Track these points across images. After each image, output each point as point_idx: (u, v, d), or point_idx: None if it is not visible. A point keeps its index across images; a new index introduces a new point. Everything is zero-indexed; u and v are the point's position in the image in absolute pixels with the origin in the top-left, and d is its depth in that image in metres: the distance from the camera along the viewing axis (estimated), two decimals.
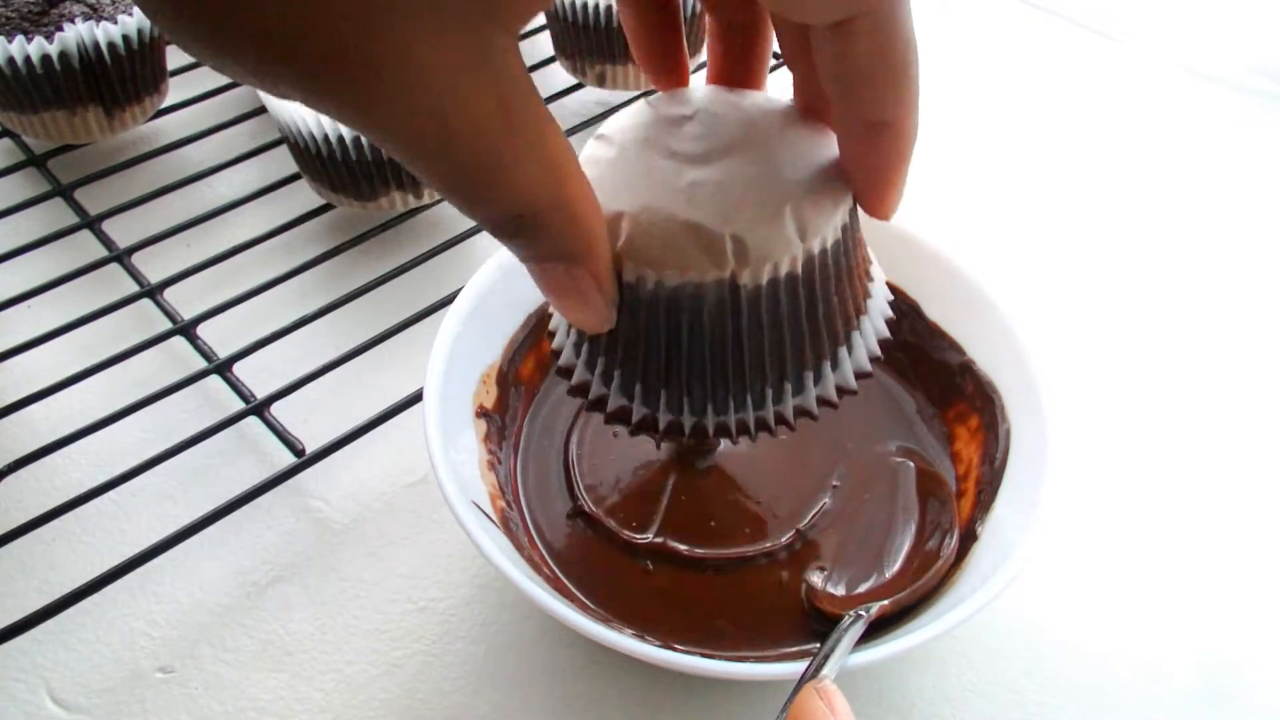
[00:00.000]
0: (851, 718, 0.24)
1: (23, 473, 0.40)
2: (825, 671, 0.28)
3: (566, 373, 0.31)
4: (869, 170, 0.26)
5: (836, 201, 0.26)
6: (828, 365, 0.29)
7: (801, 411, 0.30)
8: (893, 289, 0.42)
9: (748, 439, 0.30)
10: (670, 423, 0.29)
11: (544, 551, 0.37)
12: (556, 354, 0.32)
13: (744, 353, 0.28)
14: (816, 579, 0.35)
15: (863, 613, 0.32)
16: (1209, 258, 0.53)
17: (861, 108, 0.24)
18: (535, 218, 0.22)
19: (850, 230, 0.28)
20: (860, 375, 0.31)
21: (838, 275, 0.28)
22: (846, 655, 0.29)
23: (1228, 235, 0.55)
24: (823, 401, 0.30)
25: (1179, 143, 0.61)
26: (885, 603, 0.33)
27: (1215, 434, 0.44)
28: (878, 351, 0.31)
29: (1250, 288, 0.52)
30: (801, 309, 0.27)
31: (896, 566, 0.35)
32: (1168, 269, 0.53)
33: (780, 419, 0.30)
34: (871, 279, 0.31)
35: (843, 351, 0.30)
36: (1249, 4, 0.72)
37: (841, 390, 0.30)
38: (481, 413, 0.38)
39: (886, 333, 0.31)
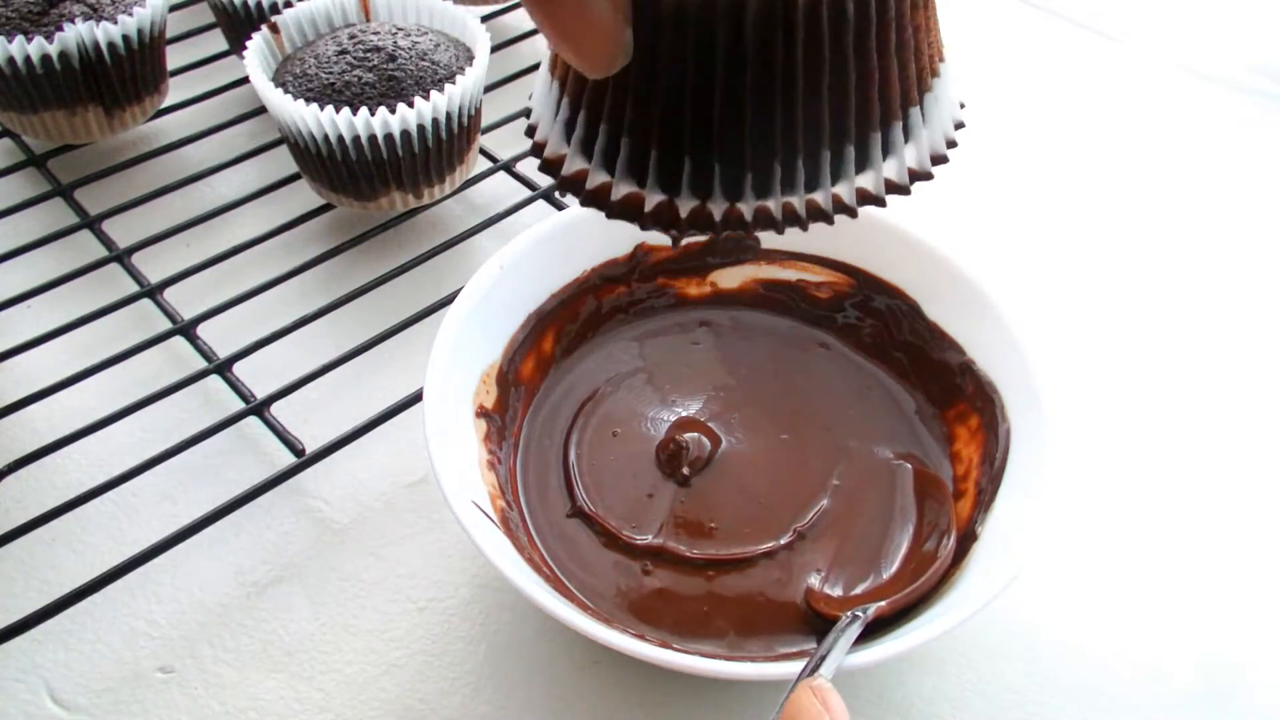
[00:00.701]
0: (846, 716, 0.24)
1: (23, 473, 0.40)
2: (822, 671, 0.28)
3: (554, 165, 0.24)
4: None
5: None
6: (899, 130, 0.23)
7: (866, 197, 0.23)
8: (893, 289, 0.42)
9: (797, 229, 0.23)
10: (695, 211, 0.22)
11: (544, 551, 0.37)
12: (539, 149, 0.24)
13: (797, 93, 0.21)
14: (814, 580, 0.35)
15: (860, 614, 0.32)
16: (1209, 257, 0.53)
17: None
18: None
19: None
20: (937, 160, 0.24)
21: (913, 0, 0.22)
22: (844, 655, 0.29)
23: (1228, 235, 0.55)
24: (892, 187, 0.23)
25: (1179, 143, 0.61)
26: (882, 604, 0.33)
27: (1215, 433, 0.44)
28: (954, 135, 0.24)
29: (1250, 287, 0.52)
30: (871, 32, 0.21)
31: (894, 568, 0.35)
32: (1168, 269, 0.53)
33: (839, 204, 0.22)
34: (942, 44, 0.24)
35: (916, 115, 0.23)
36: (1249, 4, 0.72)
37: (915, 175, 0.23)
38: (481, 413, 0.38)
39: (960, 115, 0.24)
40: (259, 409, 0.42)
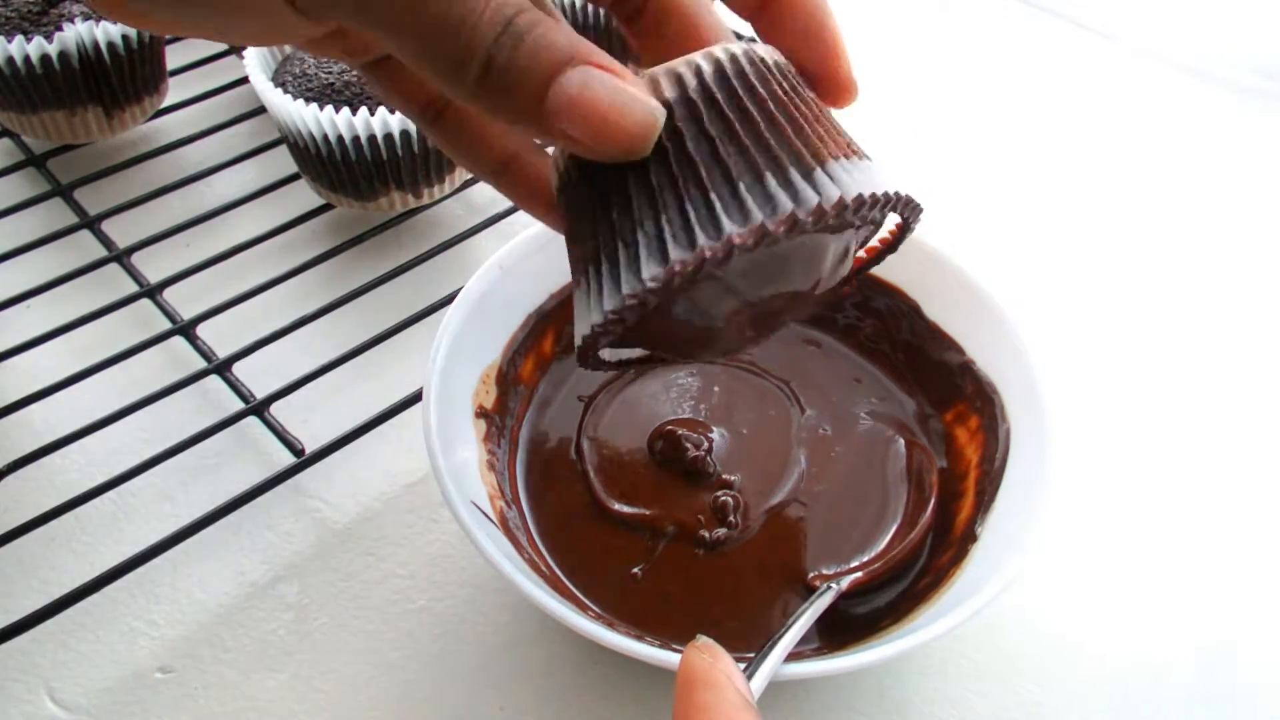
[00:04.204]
0: (732, 663, 0.25)
1: (22, 473, 0.40)
2: (788, 635, 0.30)
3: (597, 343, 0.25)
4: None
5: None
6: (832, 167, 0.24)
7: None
8: (893, 289, 0.42)
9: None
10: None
11: (543, 551, 0.37)
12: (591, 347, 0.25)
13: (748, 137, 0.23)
14: (813, 574, 0.36)
15: (833, 585, 0.34)
16: (1208, 257, 0.53)
17: None
18: (515, 22, 0.21)
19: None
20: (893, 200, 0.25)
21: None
22: (809, 623, 0.31)
23: (1227, 235, 0.55)
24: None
25: (1179, 143, 0.61)
26: (858, 575, 0.35)
27: (1215, 433, 0.44)
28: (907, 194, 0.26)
29: (1249, 287, 0.52)
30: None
31: (882, 544, 0.36)
32: (1167, 269, 0.53)
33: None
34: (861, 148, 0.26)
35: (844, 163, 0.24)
36: (1249, 4, 0.72)
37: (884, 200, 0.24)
38: (481, 413, 0.38)
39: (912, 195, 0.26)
40: (259, 409, 0.42)
